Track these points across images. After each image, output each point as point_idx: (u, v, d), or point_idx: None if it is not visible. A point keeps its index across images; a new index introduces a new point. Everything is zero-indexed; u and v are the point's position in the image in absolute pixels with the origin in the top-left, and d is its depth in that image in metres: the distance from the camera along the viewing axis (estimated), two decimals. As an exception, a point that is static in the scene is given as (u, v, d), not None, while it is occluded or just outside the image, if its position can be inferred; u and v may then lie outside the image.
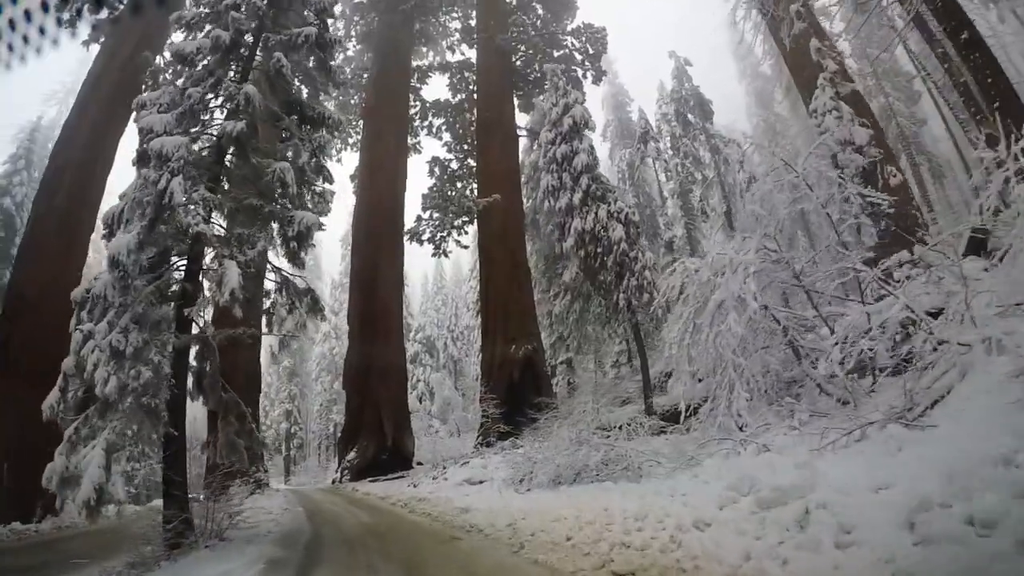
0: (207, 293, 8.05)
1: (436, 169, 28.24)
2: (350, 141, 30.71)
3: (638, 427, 11.13)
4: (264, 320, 8.90)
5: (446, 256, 25.01)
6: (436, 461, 17.13)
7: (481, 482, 12.47)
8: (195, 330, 8.49)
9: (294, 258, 8.16)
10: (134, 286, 7.14)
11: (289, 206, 8.32)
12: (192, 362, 8.67)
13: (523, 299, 22.22)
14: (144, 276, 7.55)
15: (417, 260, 53.06)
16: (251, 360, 19.94)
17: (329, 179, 9.68)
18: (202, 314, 8.63)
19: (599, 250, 13.90)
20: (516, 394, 19.89)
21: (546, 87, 17.64)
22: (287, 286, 8.69)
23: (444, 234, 24.33)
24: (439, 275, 49.01)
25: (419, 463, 20.72)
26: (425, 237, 23.59)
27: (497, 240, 22.82)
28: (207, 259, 7.95)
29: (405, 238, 23.58)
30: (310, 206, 9.47)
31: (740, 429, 8.32)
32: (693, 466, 7.76)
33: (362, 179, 25.63)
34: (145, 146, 7.93)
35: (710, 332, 9.08)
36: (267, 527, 9.09)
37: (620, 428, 10.85)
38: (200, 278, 7.95)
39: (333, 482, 20.45)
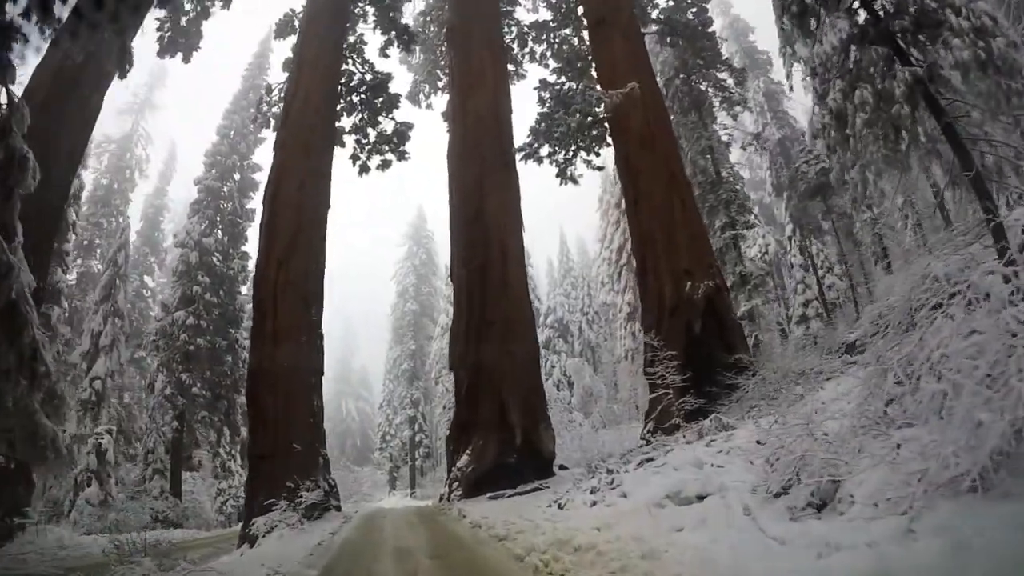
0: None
1: (545, 94, 22.05)
2: (439, 84, 25.76)
3: None
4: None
5: (574, 182, 18.53)
6: (592, 462, 10.57)
7: (701, 497, 5.81)
8: None
9: None
10: None
11: None
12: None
13: (690, 219, 15.08)
14: None
15: (539, 247, 47.22)
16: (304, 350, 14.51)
17: None
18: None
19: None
20: (700, 353, 12.88)
21: None
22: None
23: (568, 155, 17.96)
24: (564, 257, 44.08)
25: (562, 467, 14.21)
26: (544, 153, 17.38)
27: (642, 146, 16.01)
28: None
29: (518, 158, 17.34)
30: None
31: None
32: None
33: (454, 105, 19.92)
34: None
35: None
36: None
37: None
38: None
39: (440, 498, 14.21)
